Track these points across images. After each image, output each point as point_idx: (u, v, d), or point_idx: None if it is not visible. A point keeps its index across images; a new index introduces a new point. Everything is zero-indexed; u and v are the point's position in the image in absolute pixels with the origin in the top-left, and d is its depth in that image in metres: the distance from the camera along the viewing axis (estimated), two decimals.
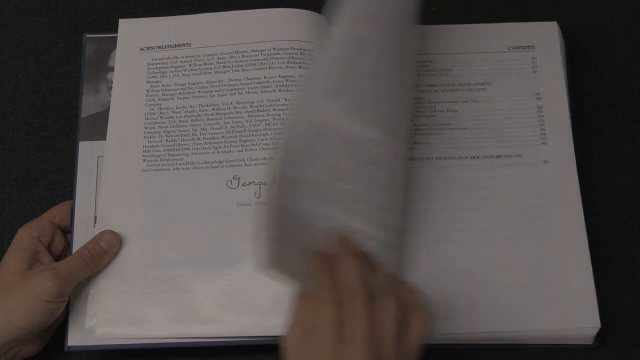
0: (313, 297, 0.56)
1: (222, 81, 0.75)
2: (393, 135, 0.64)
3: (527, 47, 0.77)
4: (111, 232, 0.70)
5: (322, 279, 0.56)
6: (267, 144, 0.72)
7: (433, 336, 0.57)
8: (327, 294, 0.55)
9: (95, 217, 0.72)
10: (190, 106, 0.75)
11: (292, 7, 0.76)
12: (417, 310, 0.56)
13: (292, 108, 0.60)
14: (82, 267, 0.68)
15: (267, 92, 0.74)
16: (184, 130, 0.74)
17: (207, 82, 0.75)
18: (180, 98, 0.75)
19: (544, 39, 0.78)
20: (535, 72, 0.77)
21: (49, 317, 0.65)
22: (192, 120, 0.74)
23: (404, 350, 0.54)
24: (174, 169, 0.73)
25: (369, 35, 0.59)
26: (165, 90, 0.75)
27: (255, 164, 0.72)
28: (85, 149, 0.74)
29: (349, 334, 0.53)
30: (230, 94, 0.75)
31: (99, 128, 0.75)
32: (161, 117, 0.74)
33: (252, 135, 0.73)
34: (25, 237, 0.69)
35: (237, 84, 0.75)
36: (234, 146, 0.73)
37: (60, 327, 0.70)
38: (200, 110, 0.74)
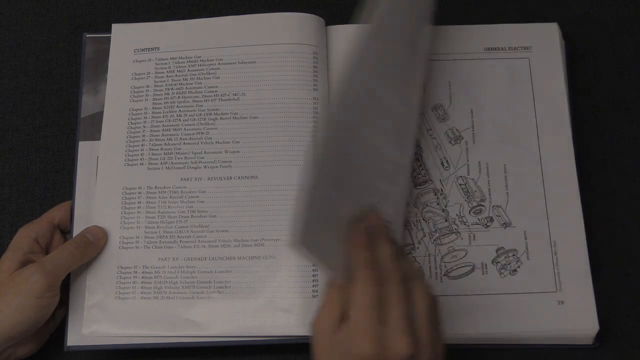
0: (348, 278, 0.54)
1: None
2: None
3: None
4: (96, 226, 0.71)
5: (362, 256, 0.54)
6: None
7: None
8: (367, 272, 0.53)
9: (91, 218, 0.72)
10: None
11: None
12: (436, 299, 0.55)
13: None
14: (68, 258, 0.67)
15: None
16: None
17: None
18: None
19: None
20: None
21: (40, 314, 0.65)
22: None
23: (435, 335, 0.54)
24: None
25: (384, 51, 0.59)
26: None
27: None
28: (85, 149, 0.74)
29: (389, 315, 0.52)
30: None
31: (98, 128, 0.75)
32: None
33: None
34: (23, 237, 0.69)
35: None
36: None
37: (59, 327, 0.70)
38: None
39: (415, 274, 0.55)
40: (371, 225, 0.57)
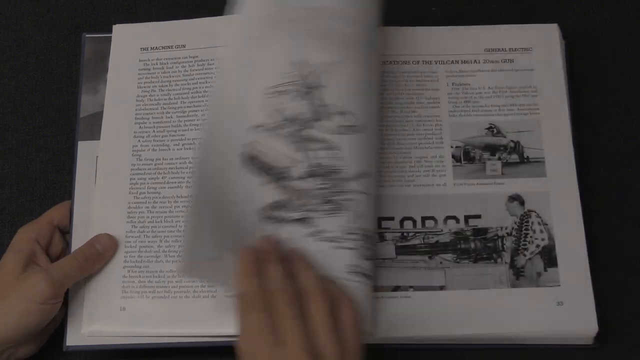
0: (240, 304, 0.58)
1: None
2: None
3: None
4: (107, 235, 0.70)
5: (247, 285, 0.58)
6: None
7: (366, 328, 0.61)
8: (252, 300, 0.57)
9: (91, 218, 0.72)
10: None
11: None
12: (345, 301, 0.58)
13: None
14: (76, 269, 0.67)
15: None
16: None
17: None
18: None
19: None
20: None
21: (42, 319, 0.65)
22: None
23: (342, 339, 0.56)
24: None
25: None
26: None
27: None
28: (85, 149, 0.74)
29: (282, 336, 0.55)
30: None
31: (97, 128, 0.74)
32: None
33: None
34: (23, 238, 0.69)
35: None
36: None
37: (59, 327, 0.70)
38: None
39: (312, 285, 0.57)
40: (260, 249, 0.60)
